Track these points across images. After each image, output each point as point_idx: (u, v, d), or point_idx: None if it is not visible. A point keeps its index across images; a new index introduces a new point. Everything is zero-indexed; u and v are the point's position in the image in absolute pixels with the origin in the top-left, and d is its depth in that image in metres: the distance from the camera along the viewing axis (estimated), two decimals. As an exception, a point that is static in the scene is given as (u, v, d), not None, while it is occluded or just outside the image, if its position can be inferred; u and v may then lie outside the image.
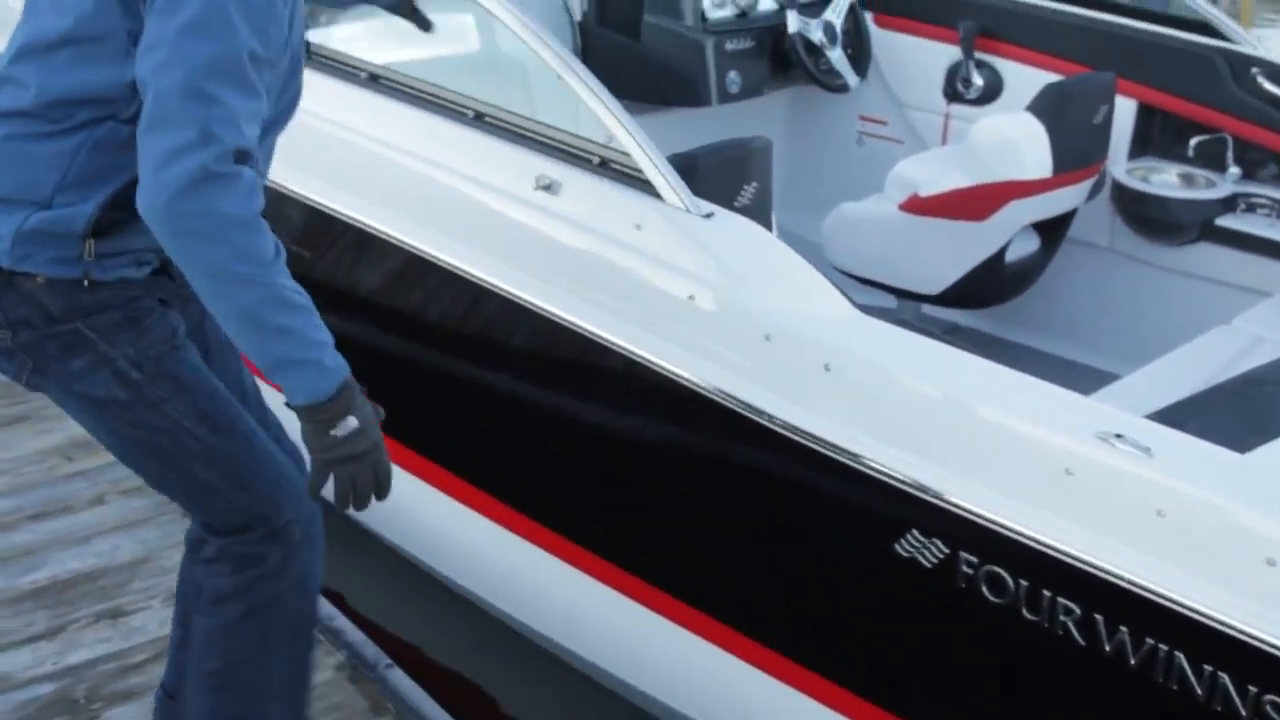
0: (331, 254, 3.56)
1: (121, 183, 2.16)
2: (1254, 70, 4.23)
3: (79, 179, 2.18)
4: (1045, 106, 4.11)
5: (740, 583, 2.92)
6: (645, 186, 2.93)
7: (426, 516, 3.68)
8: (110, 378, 2.27)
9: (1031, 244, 4.49)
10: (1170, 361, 3.66)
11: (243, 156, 2.03)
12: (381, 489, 2.24)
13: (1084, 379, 3.97)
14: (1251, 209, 4.30)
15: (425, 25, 3.19)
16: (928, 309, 4.67)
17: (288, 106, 2.37)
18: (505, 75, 3.70)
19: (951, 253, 4.35)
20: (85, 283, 2.22)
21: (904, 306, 4.61)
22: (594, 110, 3.00)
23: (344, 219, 3.47)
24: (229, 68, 2.02)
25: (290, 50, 2.25)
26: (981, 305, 4.63)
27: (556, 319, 3.03)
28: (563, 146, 3.10)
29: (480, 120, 3.26)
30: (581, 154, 3.06)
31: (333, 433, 2.15)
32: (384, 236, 3.37)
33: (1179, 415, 2.66)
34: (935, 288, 4.43)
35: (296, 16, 2.26)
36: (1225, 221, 4.30)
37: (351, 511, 2.26)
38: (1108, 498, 2.31)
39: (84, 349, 2.25)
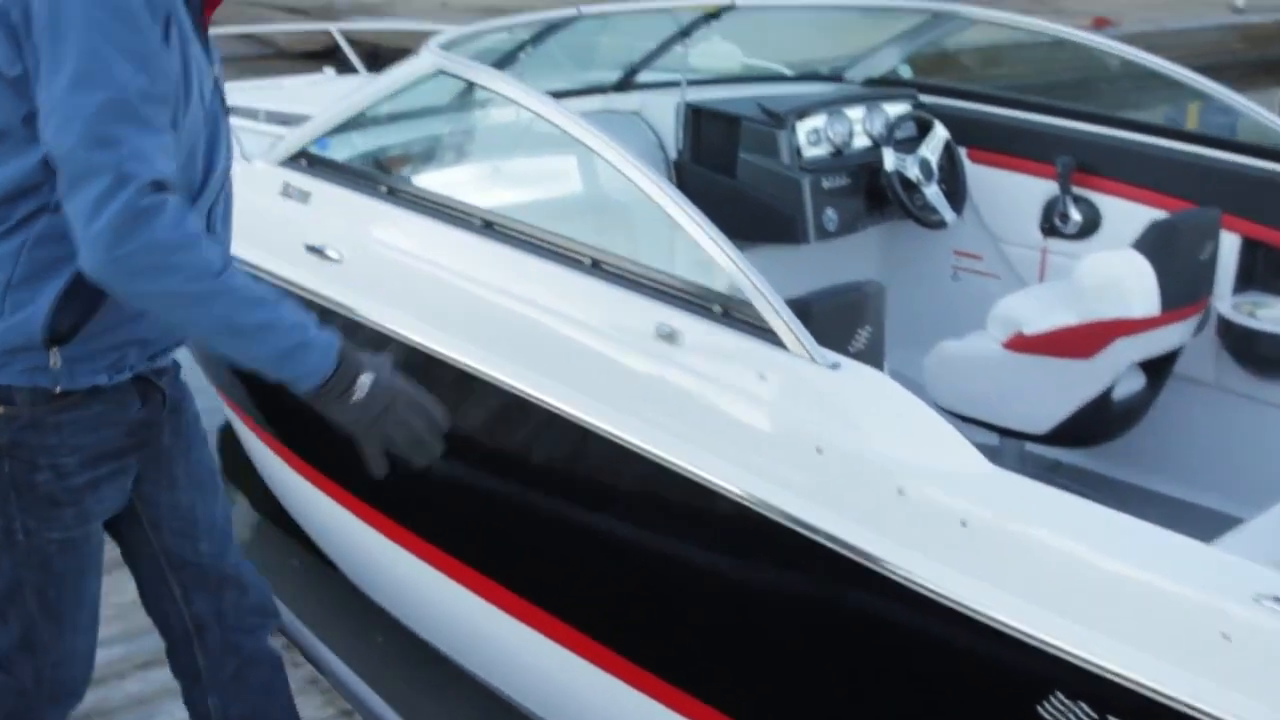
0: (445, 400, 3.55)
1: (68, 277, 2.20)
2: None
3: (26, 277, 2.21)
4: (1152, 244, 4.08)
5: None
6: (768, 335, 2.91)
7: (534, 663, 3.63)
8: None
9: (1137, 381, 4.43)
10: None
11: (160, 187, 2.07)
12: (434, 422, 2.31)
13: (1199, 521, 3.89)
14: None
15: None
16: (1031, 447, 4.61)
17: (221, 177, 2.41)
18: (617, 219, 3.72)
19: (1057, 391, 4.29)
20: (57, 389, 2.27)
21: (1007, 444, 4.54)
22: (713, 257, 3.00)
23: (459, 365, 3.47)
24: (122, 109, 2.05)
25: (203, 104, 2.28)
26: (1087, 444, 4.56)
27: (676, 468, 2.99)
28: (682, 294, 3.09)
29: (597, 267, 3.26)
30: (701, 302, 3.06)
31: (354, 400, 2.20)
32: (499, 384, 3.36)
33: None
34: (1041, 427, 4.37)
35: (193, 67, 2.25)
36: None
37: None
38: (1269, 664, 2.24)
39: None
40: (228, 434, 6.10)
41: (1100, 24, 15.05)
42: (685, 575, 3.12)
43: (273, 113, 4.94)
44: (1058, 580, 2.48)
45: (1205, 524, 3.48)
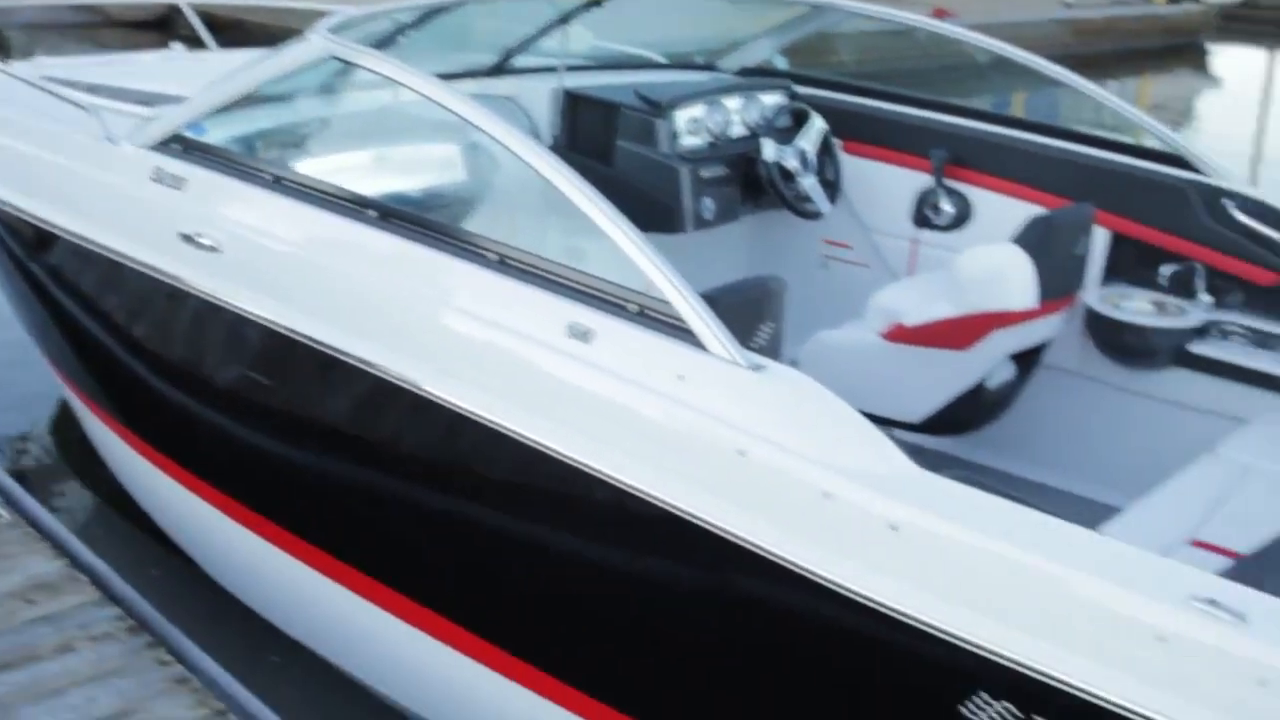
0: (340, 398, 3.46)
1: None
2: (1224, 201, 4.33)
3: None
4: (1032, 239, 4.15)
5: None
6: (686, 335, 2.89)
7: (424, 668, 3.56)
8: None
9: (1007, 371, 4.53)
10: (1168, 493, 3.68)
11: None
12: None
13: (1067, 507, 3.99)
14: (1224, 336, 4.37)
15: None
16: (897, 433, 4.66)
17: None
18: (520, 212, 3.65)
19: (934, 381, 4.36)
20: None
21: None
22: (629, 254, 2.96)
23: (356, 363, 3.37)
24: None
25: None
26: (958, 432, 4.64)
27: (591, 471, 2.95)
28: (596, 293, 3.05)
29: (504, 264, 3.19)
30: (616, 301, 3.01)
31: None
32: (402, 383, 3.28)
33: (1249, 573, 2.66)
34: (916, 415, 4.43)
35: None
36: (1198, 348, 4.37)
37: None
38: (1204, 665, 2.29)
39: None
40: (64, 414, 5.87)
41: (941, 14, 15.41)
42: (600, 581, 3.08)
43: (135, 92, 4.73)
44: (988, 582, 2.51)
45: (1073, 510, 3.56)
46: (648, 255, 2.92)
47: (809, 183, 4.90)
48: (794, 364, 4.38)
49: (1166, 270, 4.46)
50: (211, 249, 3.74)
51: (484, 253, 3.22)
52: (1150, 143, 4.68)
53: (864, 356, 4.40)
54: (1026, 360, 4.57)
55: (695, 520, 2.80)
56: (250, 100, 4.05)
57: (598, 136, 4.81)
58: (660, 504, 2.85)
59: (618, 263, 3.04)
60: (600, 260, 3.12)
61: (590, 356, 3.00)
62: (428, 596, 3.47)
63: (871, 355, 4.37)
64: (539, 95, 4.96)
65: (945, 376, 4.34)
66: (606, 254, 3.06)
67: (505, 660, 3.30)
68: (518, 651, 3.29)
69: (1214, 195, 4.36)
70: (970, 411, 4.50)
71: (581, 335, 3.00)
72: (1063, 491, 4.60)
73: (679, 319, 2.89)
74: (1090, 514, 3.55)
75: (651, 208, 4.73)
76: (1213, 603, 2.29)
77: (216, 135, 4.02)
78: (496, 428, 3.09)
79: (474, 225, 3.36)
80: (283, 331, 3.53)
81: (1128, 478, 4.12)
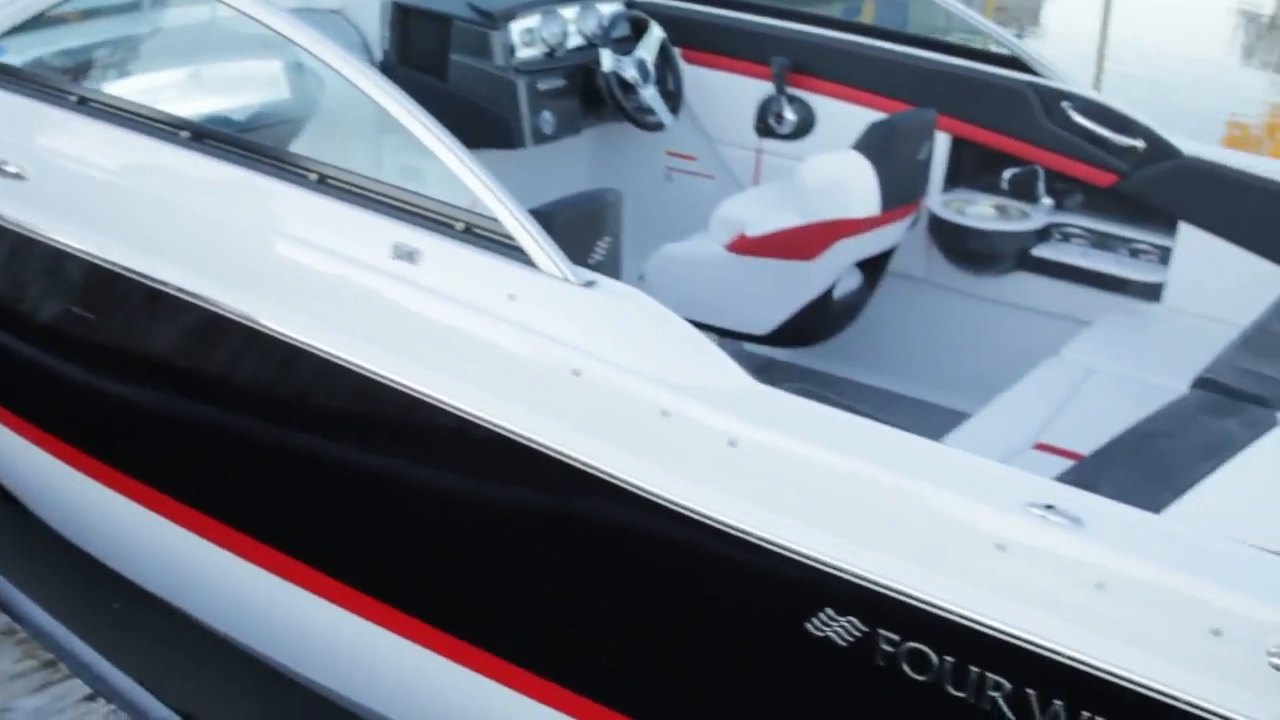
0: (172, 332, 3.30)
1: None
2: (1064, 104, 4.32)
3: None
4: (873, 145, 4.10)
5: (648, 668, 2.80)
6: (516, 253, 2.79)
7: (268, 606, 3.44)
8: None
9: (854, 280, 4.50)
10: (1013, 398, 3.69)
11: None
12: None
13: (916, 415, 3.99)
14: (1066, 238, 4.39)
15: None
16: (748, 346, 4.62)
17: None
18: (341, 130, 3.50)
19: (780, 292, 4.31)
20: None
21: (724, 345, 4.54)
22: (454, 171, 2.84)
23: (177, 294, 3.21)
24: None
25: None
26: (807, 343, 4.62)
27: (424, 397, 2.85)
28: (421, 212, 2.92)
29: (324, 183, 3.05)
30: (443, 219, 2.89)
31: None
32: (222, 311, 3.13)
33: (1087, 476, 2.65)
34: (764, 328, 4.39)
35: None
36: (1040, 251, 4.39)
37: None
38: (1044, 573, 2.27)
39: None
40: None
41: None
42: (441, 509, 2.99)
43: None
44: (828, 496, 2.47)
45: (922, 418, 3.55)
46: (473, 170, 2.81)
47: (649, 94, 4.80)
48: (640, 279, 4.33)
49: (1007, 174, 4.46)
50: (16, 176, 3.54)
51: (304, 173, 3.07)
52: (994, 48, 4.66)
53: (710, 269, 4.33)
54: (873, 268, 4.55)
55: (532, 443, 2.72)
56: (54, 19, 3.84)
57: (430, 50, 4.65)
58: (495, 428, 2.76)
59: (446, 181, 2.92)
60: (428, 178, 3.00)
61: (418, 278, 2.88)
62: (267, 532, 3.35)
63: (717, 268, 4.31)
64: (368, 7, 4.78)
65: (792, 287, 4.30)
66: (434, 172, 2.94)
67: (348, 594, 3.20)
68: (360, 585, 3.18)
69: (1053, 97, 4.35)
70: (819, 322, 4.46)
71: (407, 256, 2.88)
72: (914, 399, 4.60)
73: (507, 236, 2.79)
74: (941, 421, 3.54)
75: (488, 122, 4.60)
76: (1049, 508, 2.27)
77: (17, 56, 3.80)
78: (326, 356, 2.97)
79: (297, 146, 3.21)
80: (99, 263, 3.36)
81: (977, 383, 4.12)
